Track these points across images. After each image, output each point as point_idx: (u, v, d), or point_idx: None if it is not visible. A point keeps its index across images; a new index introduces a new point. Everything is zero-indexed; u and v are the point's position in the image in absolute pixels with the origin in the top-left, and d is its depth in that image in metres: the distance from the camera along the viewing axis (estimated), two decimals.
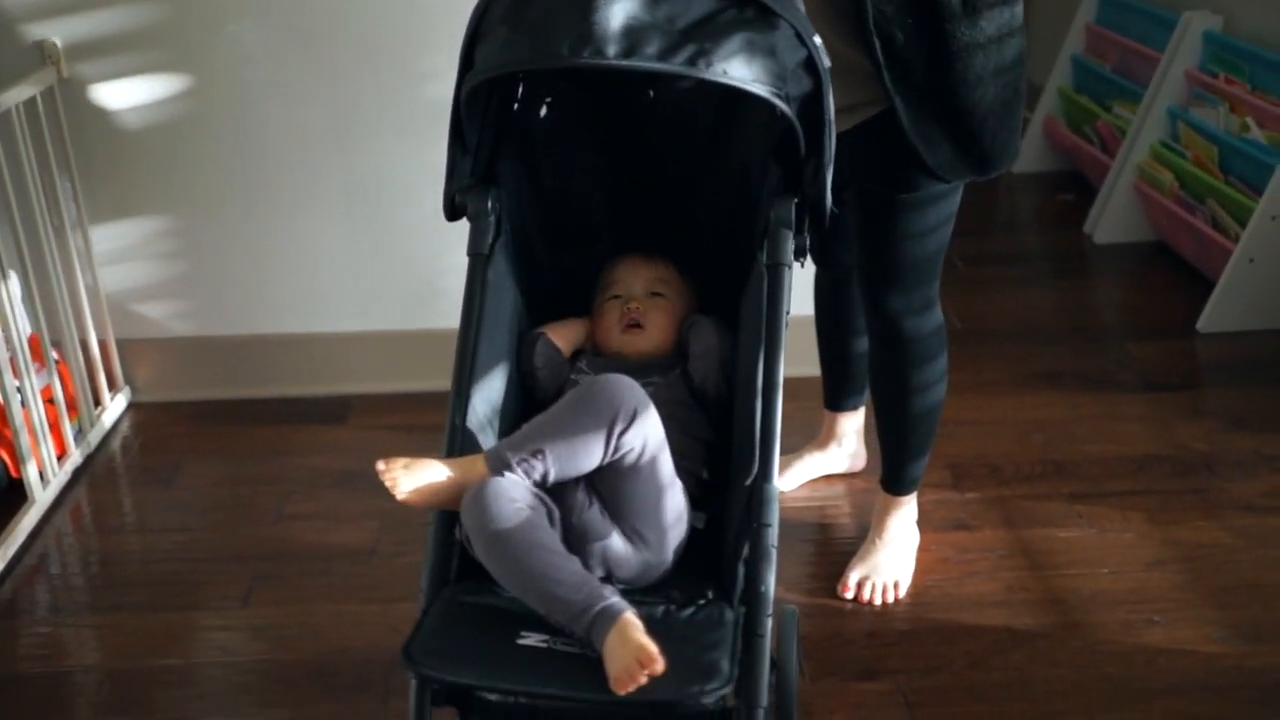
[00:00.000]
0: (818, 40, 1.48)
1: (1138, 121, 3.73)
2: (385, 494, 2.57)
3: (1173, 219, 3.52)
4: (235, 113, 2.72)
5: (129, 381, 2.95)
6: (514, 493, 1.45)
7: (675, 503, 1.53)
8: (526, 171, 1.81)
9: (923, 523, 2.31)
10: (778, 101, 1.44)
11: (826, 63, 1.49)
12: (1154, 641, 2.07)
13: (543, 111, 1.81)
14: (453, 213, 1.69)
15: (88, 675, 2.10)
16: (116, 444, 2.80)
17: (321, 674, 2.05)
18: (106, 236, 2.81)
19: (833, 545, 2.36)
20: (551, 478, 1.48)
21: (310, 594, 2.24)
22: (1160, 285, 3.53)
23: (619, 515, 1.51)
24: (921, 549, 2.28)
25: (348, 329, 2.92)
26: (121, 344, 2.90)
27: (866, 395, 2.42)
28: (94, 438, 2.76)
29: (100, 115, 2.71)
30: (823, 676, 2.00)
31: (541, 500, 1.48)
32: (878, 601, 2.19)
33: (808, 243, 1.62)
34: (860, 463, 2.56)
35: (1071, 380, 2.97)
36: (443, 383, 2.80)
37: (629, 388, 1.48)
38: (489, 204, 1.67)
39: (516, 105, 1.77)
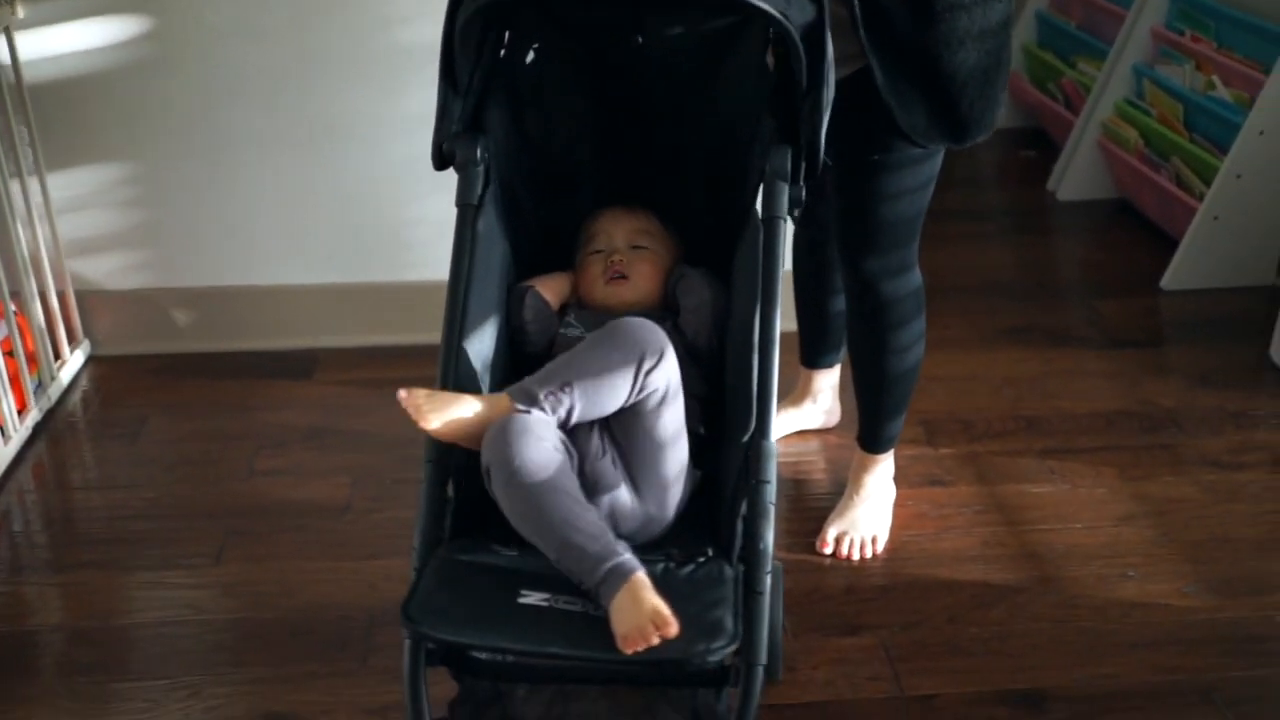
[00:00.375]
0: None
1: (1102, 78, 3.73)
2: (356, 449, 2.54)
3: (1137, 176, 3.54)
4: (198, 56, 2.64)
5: (89, 334, 2.88)
6: (541, 431, 1.43)
7: (682, 456, 1.53)
8: (512, 120, 1.77)
9: (898, 478, 2.31)
10: (784, 21, 1.42)
11: None
12: (1128, 595, 2.09)
13: (529, 58, 1.78)
14: (441, 161, 1.65)
15: (53, 635, 2.05)
16: (77, 398, 2.74)
17: (299, 632, 2.02)
18: (65, 184, 2.73)
19: (809, 501, 2.36)
20: (576, 414, 1.46)
21: (284, 551, 2.21)
22: (1124, 242, 3.55)
23: (630, 466, 1.50)
24: (898, 504, 2.29)
25: (314, 281, 2.86)
26: (81, 295, 2.83)
27: (843, 352, 2.41)
28: (54, 392, 2.69)
29: (58, 57, 2.61)
30: (804, 632, 2.01)
31: (565, 445, 1.47)
32: (856, 557, 2.19)
33: (802, 194, 1.60)
34: (835, 418, 2.56)
35: (1039, 337, 2.98)
36: (410, 336, 2.81)
37: (654, 329, 1.48)
38: (478, 152, 1.64)
39: (504, 51, 1.73)
